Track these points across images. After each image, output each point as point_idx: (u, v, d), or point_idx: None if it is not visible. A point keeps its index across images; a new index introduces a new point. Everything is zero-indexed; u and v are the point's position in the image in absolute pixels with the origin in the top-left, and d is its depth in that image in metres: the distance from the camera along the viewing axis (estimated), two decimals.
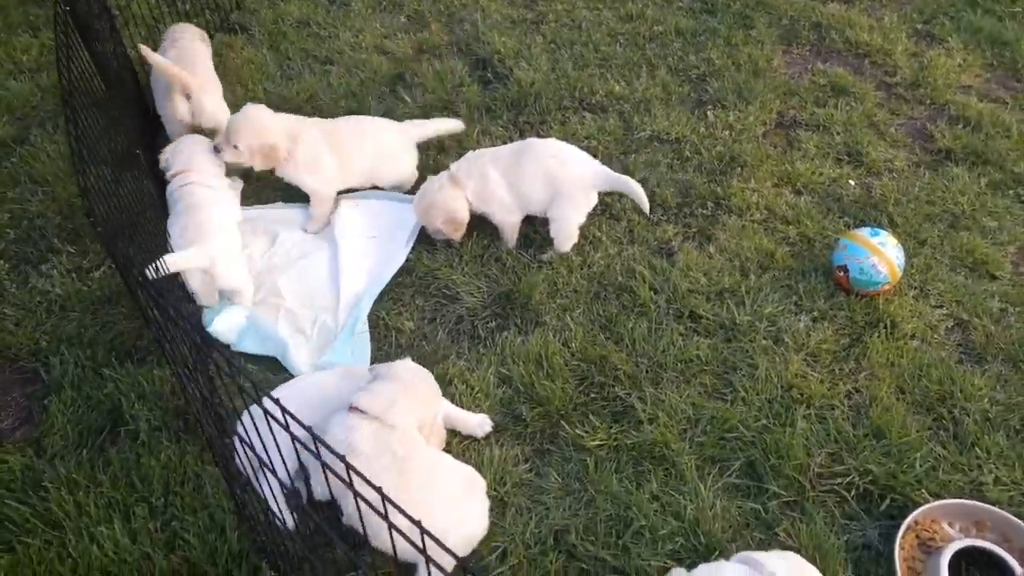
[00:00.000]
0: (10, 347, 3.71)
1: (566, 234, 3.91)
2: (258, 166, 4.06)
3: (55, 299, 3.89)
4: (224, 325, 3.68)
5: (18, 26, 5.94)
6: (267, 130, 4.02)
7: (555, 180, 3.83)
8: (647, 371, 3.42)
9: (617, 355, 3.47)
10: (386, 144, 4.29)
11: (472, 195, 3.89)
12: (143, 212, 3.98)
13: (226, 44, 5.59)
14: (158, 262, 3.48)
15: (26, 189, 4.53)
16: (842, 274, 3.65)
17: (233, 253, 3.84)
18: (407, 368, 2.91)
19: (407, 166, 4.36)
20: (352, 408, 2.74)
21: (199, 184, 3.95)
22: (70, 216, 4.34)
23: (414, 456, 2.71)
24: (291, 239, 4.16)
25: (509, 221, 3.95)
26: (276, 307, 3.82)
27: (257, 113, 4.07)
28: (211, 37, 5.62)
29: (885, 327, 3.53)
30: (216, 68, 5.06)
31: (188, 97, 4.39)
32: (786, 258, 3.91)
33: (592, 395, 3.35)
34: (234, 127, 4.01)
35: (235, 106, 4.92)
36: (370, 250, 4.03)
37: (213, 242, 3.71)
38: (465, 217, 3.90)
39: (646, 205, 3.88)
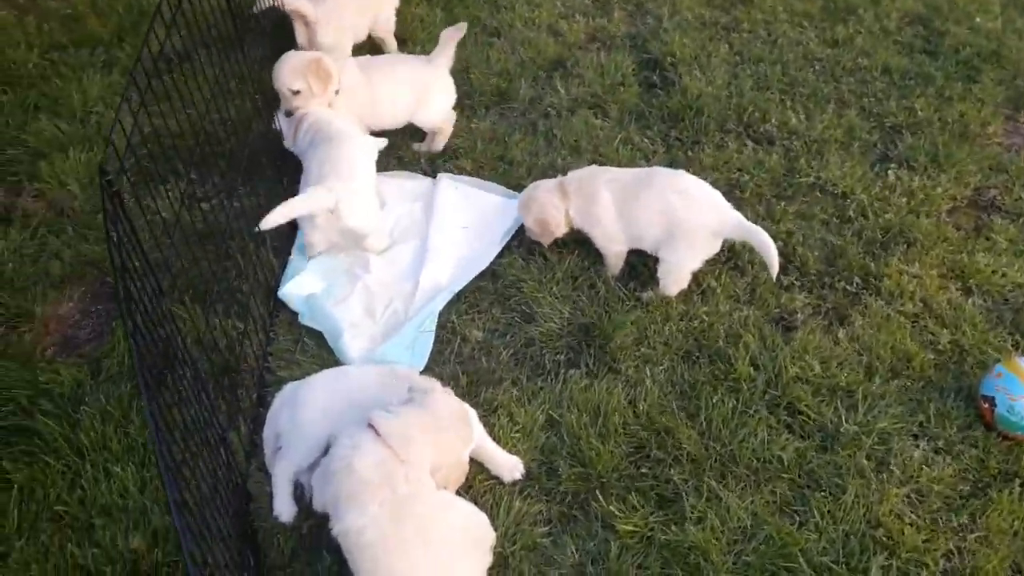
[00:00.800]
0: (107, 260, 3.80)
1: (675, 278, 3.48)
2: (319, 92, 3.92)
3: (158, 224, 3.94)
4: (295, 289, 3.58)
5: None
6: (303, 53, 4.04)
7: (674, 219, 3.40)
8: (715, 460, 2.96)
9: (686, 431, 3.03)
10: (419, 83, 4.21)
11: (575, 212, 3.56)
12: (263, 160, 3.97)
13: None
14: (276, 211, 3.41)
15: (172, 107, 4.62)
16: (987, 406, 3.00)
17: (366, 192, 3.69)
18: (444, 405, 2.64)
19: (441, 104, 4.29)
20: (370, 425, 2.52)
21: (331, 118, 3.86)
22: (205, 142, 4.38)
23: (417, 498, 2.46)
24: (395, 214, 3.99)
25: (612, 250, 3.57)
26: (355, 278, 3.67)
27: (287, 53, 4.04)
28: None
29: (1022, 484, 2.86)
30: None
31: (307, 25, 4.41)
32: (926, 367, 3.27)
33: (643, 470, 2.95)
34: (277, 74, 3.94)
35: None
36: (460, 242, 3.80)
37: (349, 179, 3.58)
38: (556, 228, 3.59)
39: (775, 267, 3.36)
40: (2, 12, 5.37)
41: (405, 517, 2.43)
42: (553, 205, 3.56)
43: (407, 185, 4.12)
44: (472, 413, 2.94)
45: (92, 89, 4.69)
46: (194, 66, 4.77)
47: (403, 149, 4.32)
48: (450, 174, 4.15)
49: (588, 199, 3.52)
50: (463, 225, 3.91)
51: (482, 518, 2.64)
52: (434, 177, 4.16)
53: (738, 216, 3.44)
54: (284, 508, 2.79)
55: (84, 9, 5.38)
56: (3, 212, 4.02)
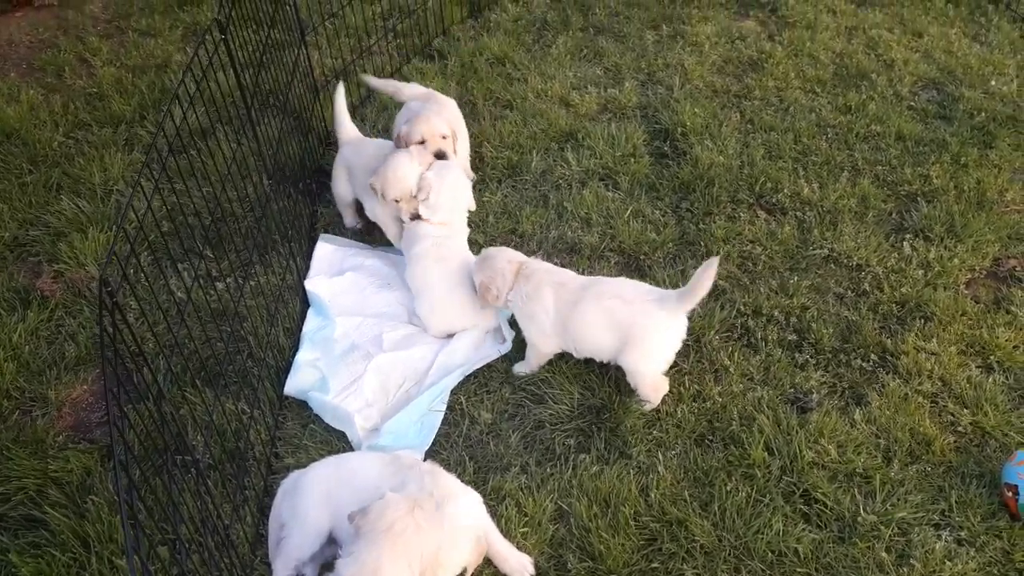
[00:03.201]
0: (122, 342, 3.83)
1: (646, 386, 3.32)
2: (458, 136, 4.36)
3: (175, 303, 3.97)
4: (299, 385, 3.55)
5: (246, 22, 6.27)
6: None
7: (619, 324, 3.27)
8: (729, 553, 2.88)
9: (699, 523, 2.95)
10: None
11: (514, 297, 3.49)
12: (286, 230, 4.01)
13: (419, 70, 5.58)
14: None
15: (193, 184, 4.70)
16: (1011, 495, 2.89)
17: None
18: (383, 511, 2.53)
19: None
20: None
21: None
22: (221, 220, 4.45)
23: None
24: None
25: (539, 350, 3.50)
26: (368, 357, 3.66)
27: (428, 110, 4.32)
28: (408, 61, 5.68)
29: None
30: None
31: None
32: (947, 451, 3.18)
33: (654, 564, 2.87)
34: (431, 122, 4.16)
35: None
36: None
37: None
38: (494, 300, 3.52)
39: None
40: (31, 92, 5.54)
41: None
42: (503, 277, 3.48)
43: None
44: (477, 498, 2.88)
45: (114, 167, 4.79)
46: (209, 145, 4.93)
47: None
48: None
49: (532, 294, 3.43)
50: None
51: None
52: None
53: (677, 290, 3.25)
54: None
55: (109, 88, 5.53)
56: (23, 293, 4.08)
